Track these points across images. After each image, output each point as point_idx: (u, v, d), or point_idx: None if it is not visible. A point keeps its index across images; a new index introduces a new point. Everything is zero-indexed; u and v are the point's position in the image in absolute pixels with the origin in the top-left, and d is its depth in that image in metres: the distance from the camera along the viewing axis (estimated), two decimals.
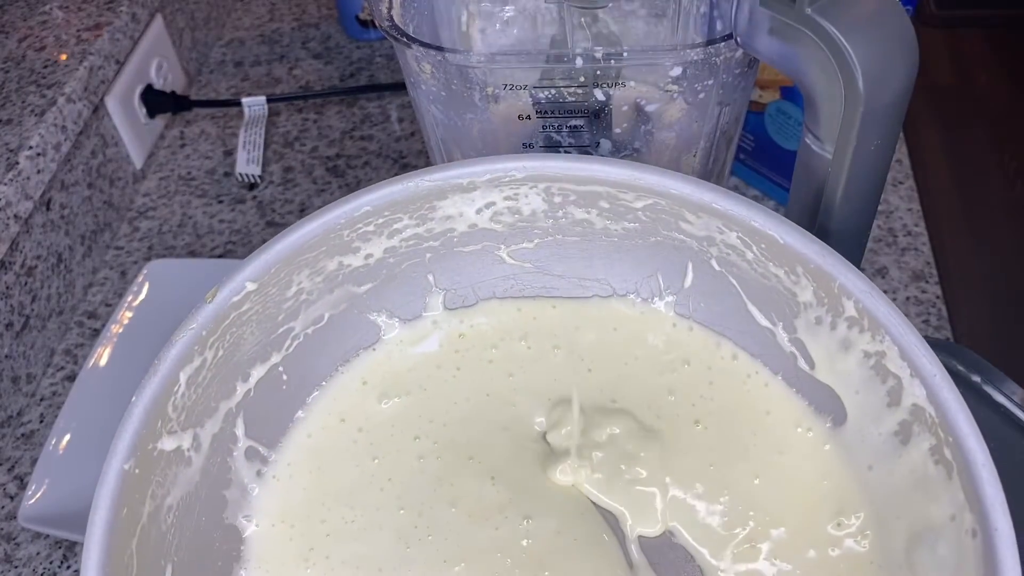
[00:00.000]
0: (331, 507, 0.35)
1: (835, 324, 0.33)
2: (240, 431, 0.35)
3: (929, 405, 0.30)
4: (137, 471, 0.31)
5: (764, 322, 0.36)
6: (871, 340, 0.32)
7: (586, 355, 0.38)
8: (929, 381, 0.30)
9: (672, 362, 0.37)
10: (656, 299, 0.38)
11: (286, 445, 0.37)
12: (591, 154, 0.39)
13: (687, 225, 0.35)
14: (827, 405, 0.35)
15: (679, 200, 0.34)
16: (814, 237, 0.32)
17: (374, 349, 0.39)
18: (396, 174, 0.75)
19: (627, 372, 0.37)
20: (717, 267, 0.36)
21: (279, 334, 0.36)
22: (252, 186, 0.76)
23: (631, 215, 0.36)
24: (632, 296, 0.39)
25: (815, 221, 0.36)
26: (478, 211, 0.37)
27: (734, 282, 0.36)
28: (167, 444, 0.32)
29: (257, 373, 0.35)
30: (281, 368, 0.36)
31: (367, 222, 0.35)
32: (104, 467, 0.30)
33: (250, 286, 0.33)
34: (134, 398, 0.31)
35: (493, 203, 0.36)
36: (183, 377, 0.32)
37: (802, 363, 0.35)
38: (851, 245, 0.37)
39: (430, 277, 0.38)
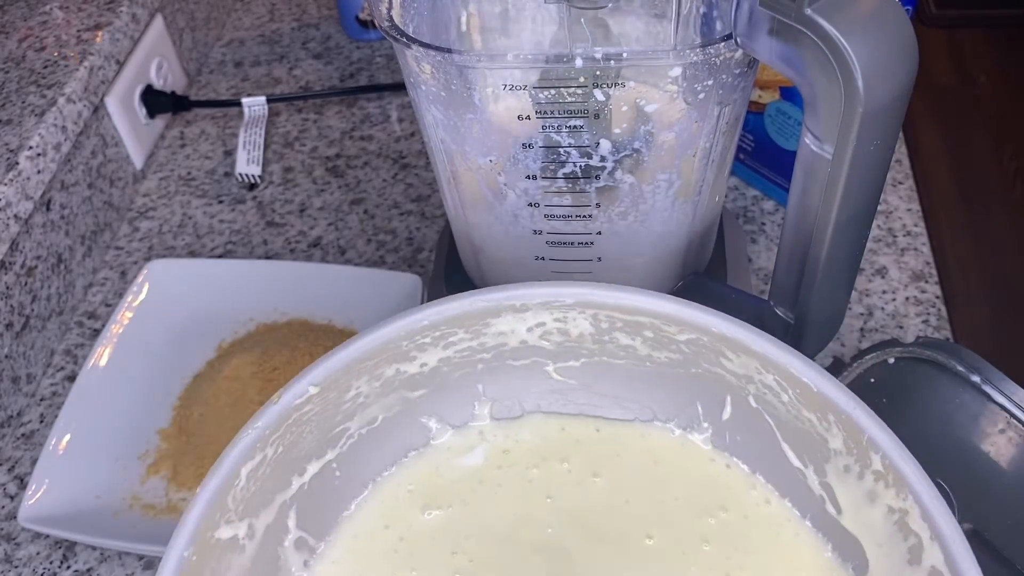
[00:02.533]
0: None
1: (862, 475, 0.34)
2: (292, 522, 0.37)
3: (947, 571, 0.30)
4: (195, 558, 0.32)
5: (796, 463, 0.37)
6: (895, 496, 0.33)
7: (625, 486, 0.39)
8: (949, 547, 0.30)
9: (709, 506, 0.38)
10: (695, 429, 0.40)
11: (333, 541, 0.38)
12: (591, 156, 0.39)
13: (727, 361, 0.37)
14: (851, 552, 0.36)
15: (720, 338, 0.36)
16: (847, 389, 0.33)
17: (422, 453, 0.41)
18: (396, 174, 0.75)
19: (664, 511, 0.38)
20: (754, 404, 0.37)
21: (335, 433, 0.38)
22: (252, 186, 0.76)
23: (674, 346, 0.38)
24: (672, 424, 0.41)
25: (815, 221, 0.36)
26: (529, 329, 0.39)
27: (769, 420, 0.37)
28: (224, 533, 0.34)
29: (312, 468, 0.37)
30: (335, 464, 0.38)
31: (425, 334, 0.37)
32: (166, 553, 0.32)
33: (312, 390, 0.35)
34: (199, 489, 0.33)
35: (543, 323, 0.38)
36: (244, 472, 0.34)
37: (830, 507, 0.36)
38: (851, 245, 0.37)
39: (480, 387, 0.41)
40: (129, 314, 0.62)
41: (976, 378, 0.45)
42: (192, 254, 0.71)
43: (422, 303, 0.59)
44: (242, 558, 0.35)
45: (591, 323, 0.38)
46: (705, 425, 0.40)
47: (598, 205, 0.41)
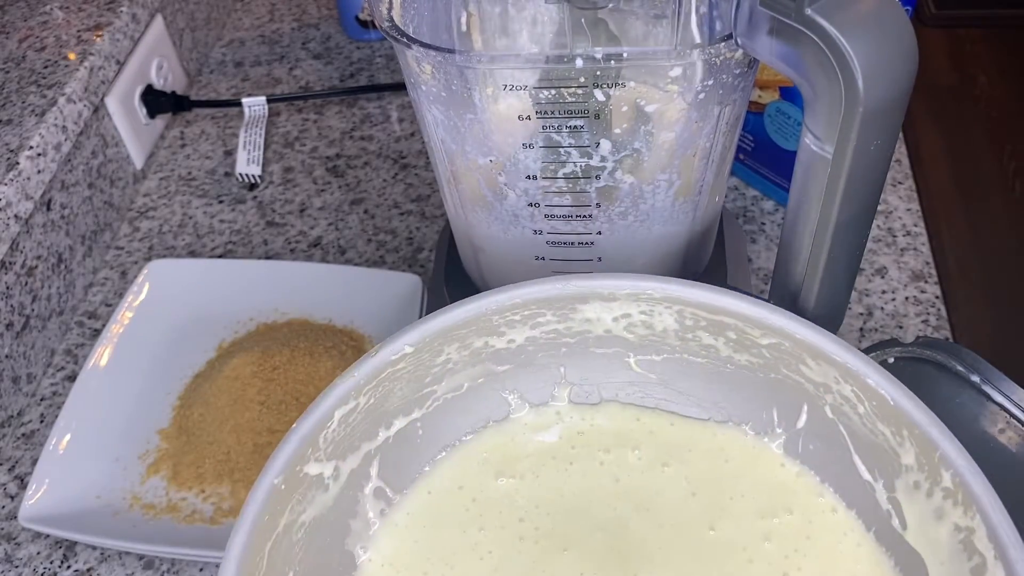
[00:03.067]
0: (434, 563, 0.38)
1: (932, 492, 0.34)
2: (374, 471, 0.39)
3: None
4: (283, 487, 0.35)
5: (866, 475, 0.37)
6: (963, 514, 0.33)
7: (693, 478, 0.40)
8: (1013, 567, 0.30)
9: (774, 508, 0.39)
10: (768, 434, 0.41)
11: (409, 495, 0.40)
12: (591, 156, 0.39)
13: (807, 369, 0.37)
14: (912, 567, 0.36)
15: (802, 345, 0.36)
16: (924, 406, 0.34)
17: (501, 425, 0.42)
18: (396, 174, 0.75)
19: (730, 506, 0.39)
20: (830, 414, 0.38)
21: (423, 394, 0.39)
22: (252, 186, 0.76)
23: (756, 349, 0.38)
24: (746, 426, 0.41)
25: (815, 221, 0.36)
26: (615, 319, 0.39)
27: (844, 431, 0.37)
28: (312, 469, 0.36)
29: (398, 424, 0.39)
30: (419, 424, 0.40)
31: (515, 312, 0.38)
32: (258, 479, 0.34)
33: (408, 349, 0.37)
34: (295, 425, 0.36)
35: (629, 315, 0.39)
36: (337, 415, 0.36)
37: (895, 522, 0.36)
38: (851, 245, 0.38)
39: (562, 369, 0.42)
40: (129, 314, 0.62)
41: (976, 378, 0.45)
42: (192, 254, 0.71)
43: (422, 303, 0.59)
44: (325, 496, 0.37)
45: (676, 319, 0.39)
46: (779, 431, 0.40)
47: (598, 205, 0.41)
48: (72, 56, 0.68)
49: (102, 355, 0.59)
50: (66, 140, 0.64)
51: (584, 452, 0.41)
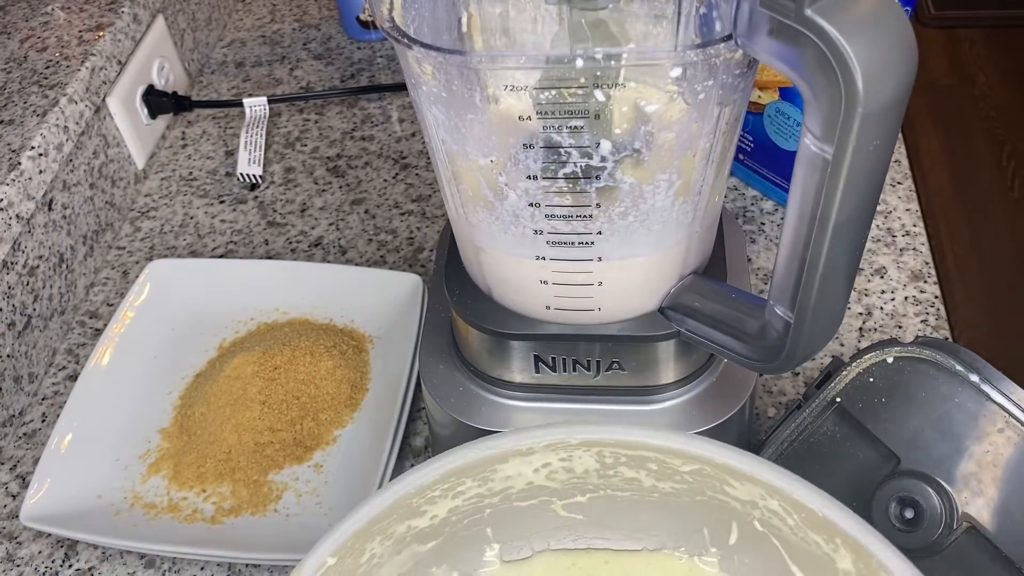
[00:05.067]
0: None
1: None
2: None
3: None
4: None
5: None
6: None
7: None
8: None
9: None
10: (702, 554, 0.41)
11: None
12: (591, 157, 0.39)
13: (731, 489, 0.37)
14: None
15: (723, 468, 0.37)
16: (852, 512, 0.34)
17: None
18: (397, 174, 0.75)
19: None
20: (760, 528, 0.38)
21: None
22: (253, 186, 0.76)
23: (678, 476, 0.38)
24: (680, 550, 0.41)
25: (814, 222, 0.36)
26: (535, 470, 0.39)
27: (777, 543, 0.38)
28: None
29: None
30: None
31: (435, 488, 0.38)
32: None
33: (330, 560, 0.35)
34: None
35: (549, 463, 0.39)
36: None
37: None
38: (851, 245, 0.38)
39: (488, 530, 0.41)
40: (131, 314, 0.62)
41: (975, 377, 0.45)
42: (194, 254, 0.71)
43: (422, 303, 0.60)
44: None
45: (596, 459, 0.39)
46: (713, 550, 0.40)
47: (598, 205, 0.41)
48: (73, 56, 0.68)
49: (103, 355, 0.60)
50: (68, 140, 0.64)
51: None
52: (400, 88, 0.83)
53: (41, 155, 0.61)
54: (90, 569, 0.53)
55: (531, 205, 0.41)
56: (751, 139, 0.67)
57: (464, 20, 0.43)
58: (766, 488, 0.36)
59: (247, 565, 0.52)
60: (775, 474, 0.36)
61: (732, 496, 0.38)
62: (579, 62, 0.36)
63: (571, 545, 0.42)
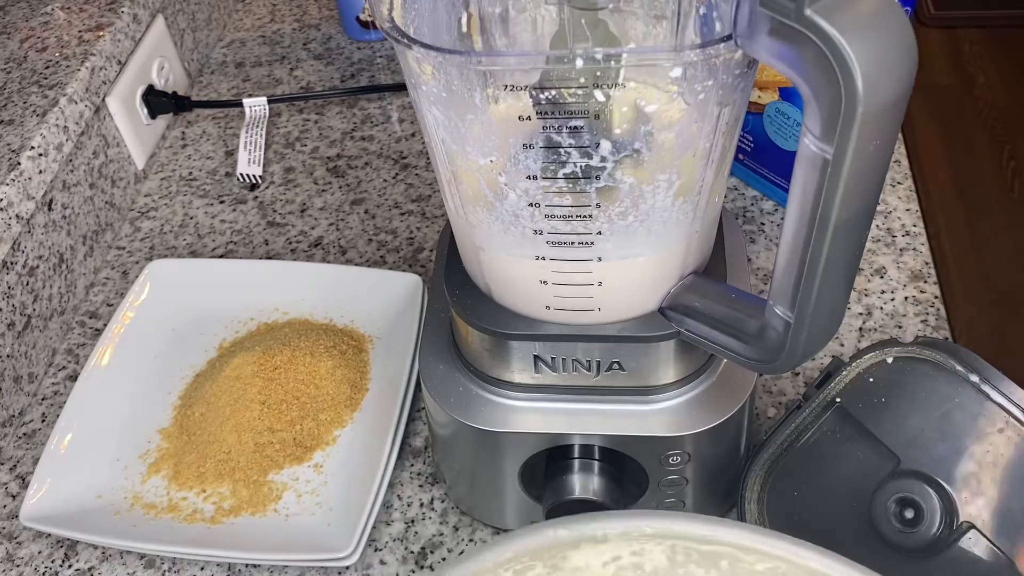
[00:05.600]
0: None
1: None
2: None
3: None
4: None
5: None
6: None
7: None
8: None
9: None
10: None
11: None
12: (591, 157, 0.39)
13: None
14: None
15: (801, 568, 0.35)
16: None
17: None
18: (397, 175, 0.75)
19: None
20: None
21: None
22: (253, 186, 0.76)
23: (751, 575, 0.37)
24: None
25: (814, 222, 0.36)
26: (604, 564, 0.38)
27: None
28: None
29: None
30: None
31: (507, 567, 0.37)
32: None
33: None
34: None
35: (619, 557, 0.38)
36: None
37: None
38: (851, 245, 0.38)
39: None
40: (131, 314, 0.62)
41: (975, 378, 0.45)
42: (193, 254, 0.71)
43: (422, 303, 0.60)
44: None
45: (667, 556, 0.38)
46: None
47: (598, 205, 0.41)
48: (73, 56, 0.68)
49: (103, 355, 0.60)
50: (67, 140, 0.64)
51: None
52: (400, 88, 0.83)
53: (41, 155, 0.61)
54: (90, 569, 0.53)
55: (531, 205, 0.41)
56: (751, 139, 0.67)
57: (464, 20, 0.43)
58: None
59: (247, 565, 0.52)
60: (857, 573, 0.35)
61: None
62: (579, 62, 0.36)
63: None
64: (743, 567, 0.37)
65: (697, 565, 0.38)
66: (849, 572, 0.35)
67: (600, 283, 0.44)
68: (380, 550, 0.52)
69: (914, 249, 0.65)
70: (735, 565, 0.37)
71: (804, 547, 0.35)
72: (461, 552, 0.52)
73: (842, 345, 0.60)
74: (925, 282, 0.63)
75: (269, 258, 0.70)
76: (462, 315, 0.46)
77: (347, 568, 0.52)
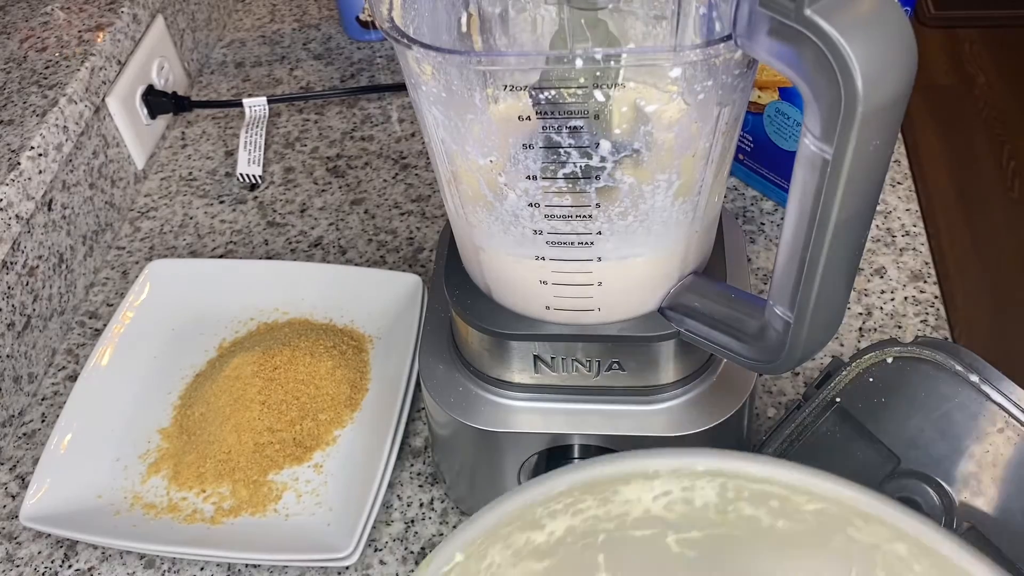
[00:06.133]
0: None
1: None
2: None
3: None
4: None
5: None
6: None
7: None
8: None
9: None
10: None
11: None
12: (591, 157, 0.39)
13: (855, 531, 0.36)
14: None
15: (851, 508, 0.36)
16: (988, 559, 0.33)
17: None
18: (397, 174, 0.75)
19: None
20: (881, 573, 0.37)
21: None
22: (253, 186, 0.76)
23: (799, 515, 0.37)
24: None
25: (814, 222, 0.36)
26: (655, 498, 0.39)
27: None
28: None
29: None
30: None
31: (559, 500, 0.38)
32: None
33: (459, 556, 0.36)
34: None
35: (670, 491, 0.39)
36: None
37: None
38: (850, 245, 0.38)
39: (600, 558, 0.40)
40: (130, 314, 0.62)
41: (975, 378, 0.45)
42: (193, 254, 0.71)
43: (422, 303, 0.60)
44: None
45: (717, 493, 0.38)
46: None
47: (598, 205, 0.41)
48: (73, 56, 0.68)
49: (103, 355, 0.60)
50: (67, 140, 0.64)
51: None
52: (400, 88, 0.83)
53: (41, 155, 0.61)
54: (90, 569, 0.53)
55: (531, 205, 0.41)
56: (751, 139, 0.67)
57: (464, 20, 0.43)
58: (894, 531, 0.35)
59: (247, 565, 0.52)
60: (906, 517, 0.35)
61: (855, 538, 0.37)
62: (579, 62, 0.36)
63: None
64: (792, 506, 0.37)
65: (747, 503, 0.38)
66: (901, 516, 0.35)
67: (600, 283, 0.44)
68: (380, 550, 0.52)
69: (914, 249, 0.65)
70: (785, 504, 0.37)
71: (855, 488, 0.35)
72: None
73: (842, 345, 0.60)
74: (925, 282, 0.63)
75: (269, 258, 0.70)
76: (462, 315, 0.46)
77: (347, 568, 0.52)
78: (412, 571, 0.52)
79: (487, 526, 0.36)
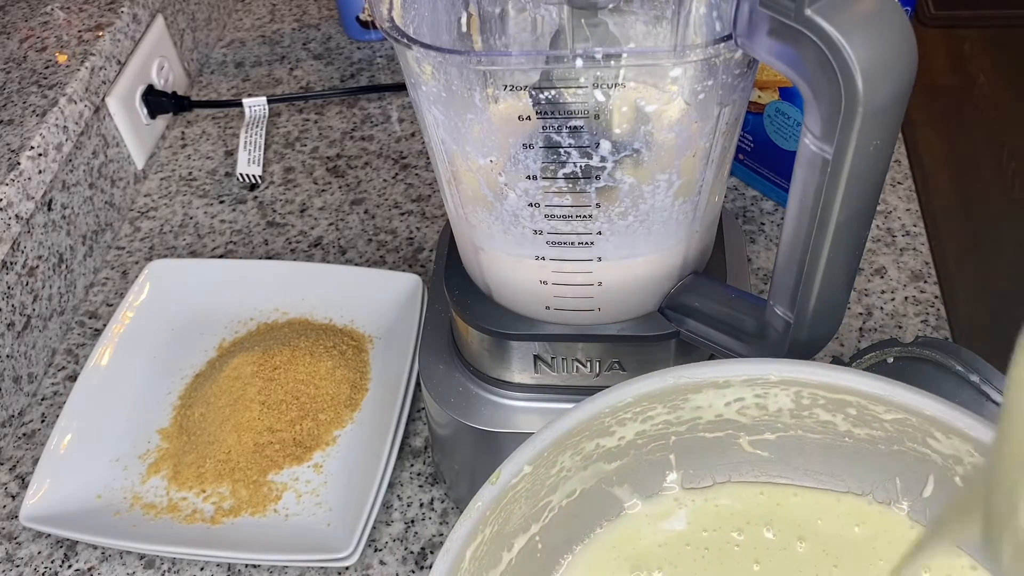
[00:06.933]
0: None
1: None
2: None
3: None
4: None
5: None
6: None
7: (831, 550, 0.39)
8: None
9: (915, 569, 0.38)
10: (892, 503, 0.40)
11: None
12: (591, 157, 0.39)
13: (934, 442, 0.36)
14: None
15: (932, 421, 0.36)
16: None
17: (617, 522, 0.41)
18: (397, 174, 0.75)
19: (870, 571, 0.38)
20: (961, 484, 0.37)
21: (539, 507, 0.39)
22: (253, 186, 0.76)
23: (877, 424, 0.37)
24: (867, 496, 0.40)
25: (814, 221, 0.36)
26: (727, 404, 0.39)
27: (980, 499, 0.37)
28: None
29: (519, 543, 0.38)
30: (538, 538, 0.39)
31: (627, 410, 0.38)
32: None
33: (527, 469, 0.36)
34: (430, 573, 0.33)
35: (743, 398, 0.39)
36: (468, 554, 0.35)
37: None
38: (851, 245, 0.38)
39: (671, 457, 0.41)
40: (130, 314, 0.62)
41: (975, 378, 0.45)
42: (193, 254, 0.71)
43: (422, 303, 0.60)
44: None
45: (792, 399, 0.38)
46: (903, 502, 0.39)
47: (598, 205, 0.41)
48: (73, 56, 0.68)
49: (103, 355, 0.60)
50: (67, 140, 0.64)
51: (716, 535, 0.40)
52: (400, 88, 0.83)
53: (40, 155, 0.61)
54: (90, 569, 0.53)
55: (531, 205, 0.41)
56: (751, 139, 0.67)
57: (464, 20, 0.43)
58: (976, 445, 0.35)
59: (247, 565, 0.52)
60: (989, 432, 0.34)
61: (934, 449, 0.37)
62: (579, 62, 0.36)
63: (753, 479, 0.42)
64: (871, 415, 0.37)
65: (824, 410, 0.38)
66: (973, 425, 0.34)
67: (600, 283, 0.44)
68: (380, 550, 0.52)
69: (914, 249, 0.65)
70: (862, 412, 0.37)
71: (933, 400, 0.35)
72: None
73: (842, 345, 0.60)
74: (925, 282, 0.63)
75: (269, 258, 0.70)
76: (462, 315, 0.46)
77: (347, 568, 0.52)
78: (413, 572, 0.52)
79: (555, 438, 0.37)
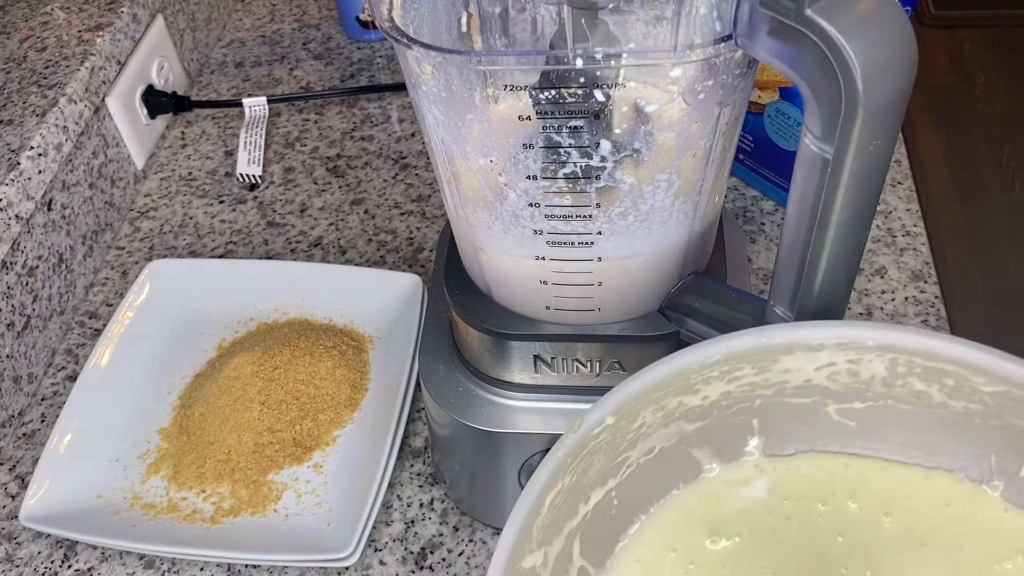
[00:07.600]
0: None
1: None
2: (576, 551, 0.37)
3: None
4: None
5: None
6: None
7: (918, 527, 0.38)
8: None
9: (1008, 552, 0.37)
10: (984, 481, 0.38)
11: (614, 567, 0.38)
12: (591, 157, 0.39)
13: None
14: None
15: None
16: None
17: (697, 484, 0.40)
18: (397, 174, 0.75)
19: (962, 556, 0.37)
20: None
21: (618, 462, 0.38)
22: (253, 186, 0.76)
23: (976, 396, 0.36)
24: (959, 473, 0.39)
25: (815, 221, 0.36)
26: (817, 368, 0.38)
27: None
28: (527, 562, 0.34)
29: (596, 496, 0.37)
30: (614, 494, 0.38)
31: (715, 368, 0.37)
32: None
33: (610, 420, 0.35)
34: (510, 517, 0.33)
35: (834, 363, 0.37)
36: (547, 500, 0.34)
37: None
38: (851, 245, 0.38)
39: (755, 422, 0.40)
40: (130, 314, 0.62)
41: None
42: (193, 254, 0.71)
43: (422, 303, 0.60)
44: None
45: (886, 367, 0.37)
46: (997, 482, 0.38)
47: (598, 205, 0.41)
48: (73, 56, 0.68)
49: (103, 355, 0.60)
50: (67, 140, 0.64)
51: (799, 505, 0.39)
52: (400, 88, 0.83)
53: (40, 155, 0.61)
54: (89, 569, 0.53)
55: (531, 205, 0.41)
56: (751, 139, 0.67)
57: (464, 20, 0.43)
58: None
59: (247, 565, 0.52)
60: None
61: None
62: (579, 62, 0.36)
63: (836, 449, 0.40)
64: (970, 387, 0.36)
65: (919, 379, 0.37)
66: None
67: (600, 283, 0.44)
68: (380, 550, 0.52)
69: (914, 249, 0.65)
70: (961, 384, 0.36)
71: None
72: (461, 553, 0.52)
73: None
74: (925, 282, 0.63)
75: (269, 258, 0.70)
76: (462, 315, 0.46)
77: (347, 568, 0.52)
78: (413, 572, 0.52)
79: (640, 390, 0.36)
